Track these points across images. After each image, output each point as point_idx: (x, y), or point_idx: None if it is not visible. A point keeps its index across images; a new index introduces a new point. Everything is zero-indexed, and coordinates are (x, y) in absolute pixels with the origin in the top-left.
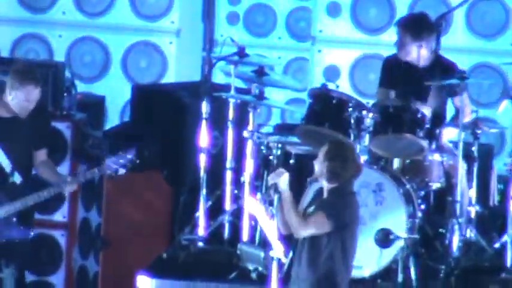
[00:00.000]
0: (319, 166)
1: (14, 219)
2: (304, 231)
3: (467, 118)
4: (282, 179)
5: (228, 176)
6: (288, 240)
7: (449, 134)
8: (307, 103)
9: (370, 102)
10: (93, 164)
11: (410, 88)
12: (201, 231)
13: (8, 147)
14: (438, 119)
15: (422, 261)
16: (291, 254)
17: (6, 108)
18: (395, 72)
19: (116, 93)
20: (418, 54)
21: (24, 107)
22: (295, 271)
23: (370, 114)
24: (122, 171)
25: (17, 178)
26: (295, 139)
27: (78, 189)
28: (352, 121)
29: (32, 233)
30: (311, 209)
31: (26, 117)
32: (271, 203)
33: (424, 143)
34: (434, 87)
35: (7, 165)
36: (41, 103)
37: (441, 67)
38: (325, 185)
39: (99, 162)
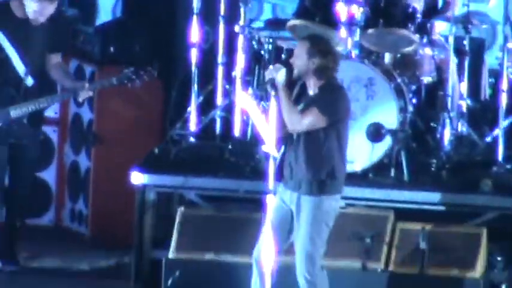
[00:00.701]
0: (303, 63)
1: (25, 120)
2: (300, 126)
3: (456, 11)
4: (280, 74)
5: (220, 71)
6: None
7: (440, 27)
8: None
9: None
10: (86, 60)
11: None
12: (193, 126)
13: (22, 50)
14: (430, 11)
15: (413, 156)
16: (283, 148)
17: (21, 9)
18: None
19: None
20: None
21: (37, 18)
22: (290, 168)
23: (361, 9)
24: (138, 83)
25: (30, 81)
26: (286, 34)
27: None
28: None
29: (42, 136)
30: (300, 106)
31: (40, 24)
32: (262, 98)
33: (415, 37)
34: None
35: (21, 69)
36: (59, 10)
37: None
38: (311, 81)
39: (98, 59)
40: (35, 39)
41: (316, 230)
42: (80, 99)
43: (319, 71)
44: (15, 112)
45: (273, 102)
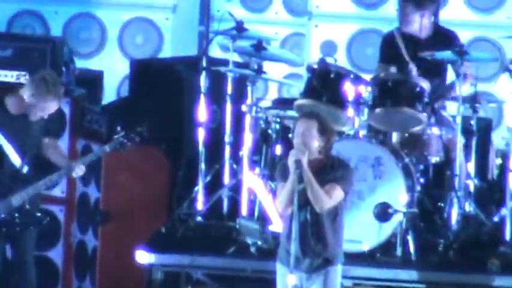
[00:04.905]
0: (312, 140)
1: (27, 206)
2: (328, 205)
3: (466, 86)
4: (306, 156)
5: (227, 150)
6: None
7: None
8: (305, 77)
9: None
10: (93, 139)
11: (413, 61)
12: (200, 205)
13: (18, 144)
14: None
15: (421, 235)
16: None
17: (18, 105)
18: (394, 48)
19: (112, 69)
20: (421, 24)
21: (39, 115)
22: (303, 247)
23: (368, 88)
24: (130, 146)
25: (26, 169)
26: (293, 113)
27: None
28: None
29: (48, 219)
30: (301, 184)
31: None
32: (269, 178)
33: (423, 117)
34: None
35: (17, 161)
36: None
37: (442, 37)
38: (317, 158)
39: (105, 139)
40: (31, 132)
41: None
42: (75, 175)
43: (328, 148)
44: (16, 200)
45: (290, 181)
